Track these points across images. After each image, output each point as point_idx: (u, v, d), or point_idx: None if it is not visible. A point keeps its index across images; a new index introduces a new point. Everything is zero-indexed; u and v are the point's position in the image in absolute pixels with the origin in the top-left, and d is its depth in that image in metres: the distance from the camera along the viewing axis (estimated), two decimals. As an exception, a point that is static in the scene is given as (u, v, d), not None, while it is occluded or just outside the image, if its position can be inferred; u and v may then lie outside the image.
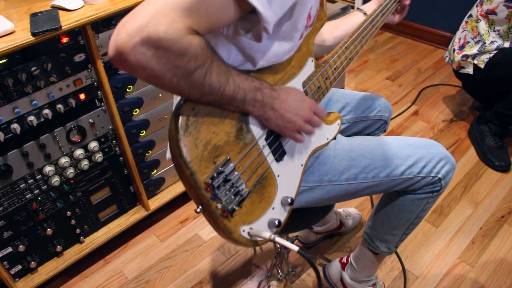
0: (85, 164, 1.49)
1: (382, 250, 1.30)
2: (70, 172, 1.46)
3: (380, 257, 1.37)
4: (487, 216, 1.80)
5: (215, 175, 0.79)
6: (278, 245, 0.83)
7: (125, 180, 1.68)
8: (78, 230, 1.60)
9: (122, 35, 0.63)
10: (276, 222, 0.89)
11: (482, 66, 2.02)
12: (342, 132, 1.29)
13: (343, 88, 2.45)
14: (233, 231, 0.83)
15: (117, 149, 1.58)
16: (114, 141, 1.56)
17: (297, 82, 0.98)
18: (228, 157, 0.82)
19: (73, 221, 1.57)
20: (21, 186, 1.38)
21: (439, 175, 1.10)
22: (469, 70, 2.10)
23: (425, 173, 1.10)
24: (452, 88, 2.58)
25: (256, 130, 0.88)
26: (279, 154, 0.93)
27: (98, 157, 1.52)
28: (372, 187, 1.10)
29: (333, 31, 1.24)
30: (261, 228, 0.88)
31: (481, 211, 1.82)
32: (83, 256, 1.62)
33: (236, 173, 0.83)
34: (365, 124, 1.31)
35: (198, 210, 0.80)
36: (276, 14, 0.76)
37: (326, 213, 1.17)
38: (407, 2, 1.23)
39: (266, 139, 0.90)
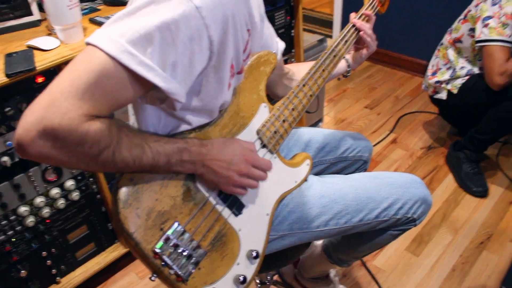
0: (61, 203, 1.47)
1: (341, 264, 1.32)
2: (46, 211, 1.44)
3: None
4: (466, 243, 1.81)
5: (163, 242, 0.78)
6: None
7: (103, 218, 1.65)
8: (54, 271, 1.56)
9: (20, 129, 0.64)
10: (241, 278, 0.87)
11: (455, 91, 2.07)
12: (320, 172, 1.27)
13: (321, 118, 2.48)
14: None
15: (94, 186, 1.56)
16: (91, 179, 1.54)
17: (249, 131, 0.95)
18: (176, 221, 0.80)
19: (49, 261, 1.53)
20: (-6, 228, 1.36)
21: (415, 216, 1.08)
22: (443, 95, 2.15)
23: (401, 214, 1.07)
24: (430, 115, 2.64)
25: (206, 188, 0.86)
26: (236, 207, 0.90)
27: (75, 195, 1.50)
28: (345, 231, 1.07)
29: (298, 66, 1.22)
30: (226, 286, 0.86)
31: (461, 238, 1.83)
32: (59, 297, 1.58)
33: (187, 235, 0.81)
34: (345, 164, 1.28)
35: (153, 278, 0.79)
36: (186, 83, 0.75)
37: (304, 250, 1.16)
38: (368, 39, 1.16)
39: (218, 195, 0.88)
